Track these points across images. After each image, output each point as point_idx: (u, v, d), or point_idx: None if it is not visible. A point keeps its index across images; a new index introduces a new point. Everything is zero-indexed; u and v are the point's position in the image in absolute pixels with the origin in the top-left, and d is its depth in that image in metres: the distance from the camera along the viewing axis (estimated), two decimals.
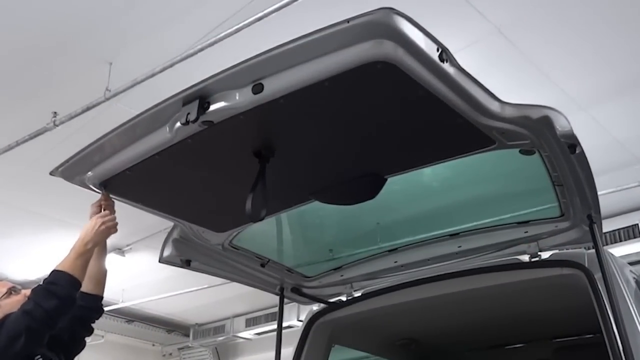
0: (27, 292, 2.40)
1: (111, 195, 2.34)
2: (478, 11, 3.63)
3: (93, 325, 2.63)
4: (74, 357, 2.59)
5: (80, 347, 2.62)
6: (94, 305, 2.59)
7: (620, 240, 5.74)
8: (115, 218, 2.38)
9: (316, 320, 3.25)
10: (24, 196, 5.87)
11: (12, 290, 2.52)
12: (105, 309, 9.30)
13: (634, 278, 2.81)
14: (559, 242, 2.74)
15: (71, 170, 2.17)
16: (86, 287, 2.45)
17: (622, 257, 4.05)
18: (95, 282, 2.58)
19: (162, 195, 2.39)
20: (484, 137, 2.00)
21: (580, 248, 2.73)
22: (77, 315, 2.48)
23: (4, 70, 4.20)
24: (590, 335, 3.38)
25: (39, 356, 2.29)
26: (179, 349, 10.01)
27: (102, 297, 2.62)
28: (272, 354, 3.12)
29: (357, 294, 3.20)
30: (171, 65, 3.60)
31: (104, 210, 2.36)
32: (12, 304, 2.40)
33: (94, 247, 2.37)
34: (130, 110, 2.25)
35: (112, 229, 2.38)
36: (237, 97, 1.78)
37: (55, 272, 2.25)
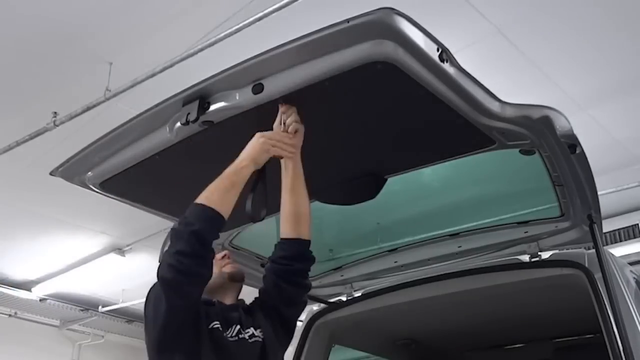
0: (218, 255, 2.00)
1: (111, 195, 2.33)
2: (478, 11, 3.63)
3: (304, 279, 2.04)
4: (293, 320, 2.09)
5: (297, 309, 2.09)
6: (294, 253, 2.00)
7: (621, 240, 5.75)
8: (291, 140, 1.85)
9: (316, 320, 3.25)
10: (24, 196, 5.87)
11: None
12: (105, 309, 9.31)
13: (634, 278, 2.81)
14: (559, 242, 2.74)
15: (71, 170, 2.16)
16: (284, 231, 2.01)
17: (622, 257, 4.04)
18: (292, 222, 2.00)
19: (162, 195, 2.39)
20: (484, 137, 2.00)
21: (580, 248, 2.73)
22: (276, 269, 2.01)
23: (4, 70, 4.20)
24: (590, 336, 3.38)
25: (215, 323, 1.83)
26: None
27: (306, 241, 2.01)
28: None
29: (357, 294, 3.20)
30: (171, 65, 3.60)
31: (283, 125, 1.84)
32: None
33: (249, 169, 1.84)
34: (131, 110, 2.25)
35: (282, 151, 1.86)
36: (237, 97, 1.78)
37: (190, 207, 1.79)
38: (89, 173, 2.18)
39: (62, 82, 4.28)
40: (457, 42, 3.58)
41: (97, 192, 2.30)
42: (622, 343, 2.17)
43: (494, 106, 1.89)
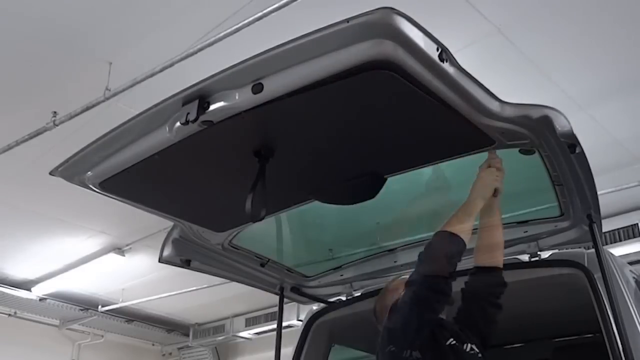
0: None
1: (110, 195, 2.33)
2: (478, 11, 3.63)
3: (499, 300, 2.31)
4: (489, 339, 2.34)
5: (494, 327, 2.35)
6: (491, 280, 2.31)
7: (620, 240, 5.74)
8: (500, 174, 2.18)
9: (316, 319, 3.25)
10: (24, 196, 5.87)
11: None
12: (105, 308, 9.33)
13: (634, 278, 2.81)
14: (558, 242, 2.74)
15: (71, 170, 2.16)
16: (480, 259, 2.32)
17: (621, 256, 4.04)
18: (486, 251, 2.33)
19: (161, 195, 2.39)
20: (483, 136, 2.00)
21: (579, 248, 2.73)
22: (479, 293, 2.31)
23: (4, 70, 4.19)
24: (590, 335, 3.39)
25: (469, 345, 2.14)
26: (179, 348, 10.01)
27: (499, 268, 2.31)
28: (272, 353, 3.12)
29: (357, 294, 3.21)
30: (171, 65, 3.60)
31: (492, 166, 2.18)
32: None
33: (481, 204, 2.17)
34: (130, 110, 2.25)
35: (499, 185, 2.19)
36: (237, 97, 1.78)
37: (436, 234, 2.07)
38: (89, 173, 2.17)
39: (61, 82, 4.27)
40: (457, 42, 3.58)
41: (96, 191, 2.30)
42: (621, 343, 2.17)
43: (494, 106, 1.89)
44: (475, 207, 2.15)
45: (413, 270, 2.14)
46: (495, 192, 2.26)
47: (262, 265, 3.00)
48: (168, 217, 2.56)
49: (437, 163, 2.26)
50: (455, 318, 2.34)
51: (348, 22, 1.55)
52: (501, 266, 2.32)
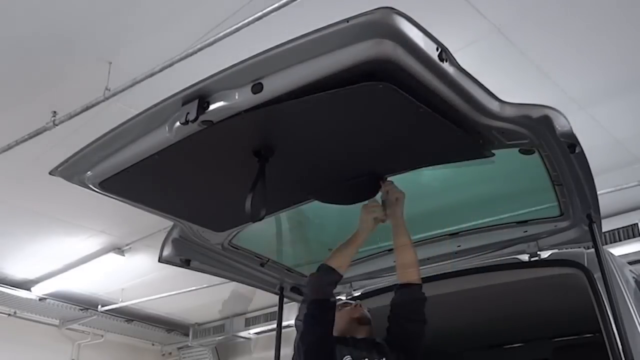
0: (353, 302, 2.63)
1: (110, 195, 2.33)
2: (478, 10, 3.63)
3: (419, 315, 2.48)
4: (416, 350, 2.50)
5: (418, 341, 2.50)
6: (406, 297, 2.47)
7: (620, 240, 5.74)
8: (384, 210, 2.39)
9: None
10: (24, 195, 5.87)
11: (342, 305, 2.62)
12: (105, 308, 9.32)
13: (634, 277, 2.81)
14: (558, 242, 2.74)
15: (70, 169, 2.16)
16: (399, 278, 2.49)
17: (621, 256, 4.04)
18: (401, 269, 2.50)
19: (161, 194, 2.39)
20: (483, 136, 2.00)
21: (579, 247, 2.73)
22: (396, 310, 2.48)
23: (3, 69, 4.19)
24: (590, 335, 3.39)
25: (347, 356, 2.33)
26: (179, 348, 10.01)
27: (414, 285, 2.47)
28: (272, 353, 3.13)
29: (357, 293, 3.20)
30: (171, 65, 3.60)
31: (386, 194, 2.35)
32: (340, 317, 2.49)
33: (362, 241, 2.41)
34: (130, 110, 2.25)
35: (378, 221, 2.41)
36: (237, 97, 1.78)
37: (318, 267, 2.34)
38: (89, 172, 2.17)
39: (61, 82, 4.27)
40: (457, 42, 3.58)
41: (96, 191, 2.30)
42: (621, 342, 2.17)
43: (494, 106, 1.89)
44: (355, 241, 2.40)
45: None
46: (380, 220, 2.43)
47: (262, 265, 3.00)
48: (168, 216, 2.56)
49: (438, 164, 2.27)
50: (385, 336, 2.51)
51: (348, 21, 1.55)
52: (418, 282, 2.46)
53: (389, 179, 2.36)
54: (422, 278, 2.91)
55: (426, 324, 2.49)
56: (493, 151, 2.10)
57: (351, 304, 2.67)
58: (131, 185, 2.26)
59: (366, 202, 2.38)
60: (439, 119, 1.84)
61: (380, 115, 1.87)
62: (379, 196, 2.40)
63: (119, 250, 6.90)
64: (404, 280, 2.47)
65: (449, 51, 1.68)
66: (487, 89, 1.85)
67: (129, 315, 9.00)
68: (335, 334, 2.39)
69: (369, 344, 2.48)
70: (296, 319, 2.37)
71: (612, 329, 2.25)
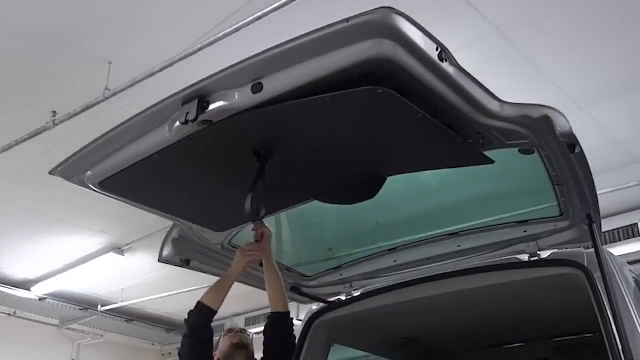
0: (237, 327, 2.99)
1: (110, 195, 2.33)
2: (478, 11, 3.63)
3: (288, 339, 2.78)
4: None
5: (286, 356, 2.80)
6: (277, 322, 2.76)
7: (620, 240, 5.74)
8: (258, 248, 2.65)
9: (315, 319, 3.25)
10: (24, 195, 5.87)
11: (228, 331, 2.95)
12: (105, 308, 9.30)
13: (633, 277, 2.81)
14: (558, 242, 2.74)
15: (70, 169, 2.16)
16: (271, 306, 2.77)
17: (621, 256, 4.04)
18: (270, 300, 2.78)
19: (161, 194, 2.39)
20: (483, 136, 2.00)
21: (579, 247, 2.73)
22: (267, 336, 2.77)
23: (4, 70, 4.19)
24: (590, 335, 3.39)
25: None
26: (179, 348, 10.01)
27: (281, 313, 2.76)
28: None
29: (357, 294, 3.20)
30: (170, 65, 3.60)
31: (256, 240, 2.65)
32: (223, 344, 2.86)
33: (234, 279, 2.67)
34: (130, 110, 2.25)
35: (251, 260, 2.69)
36: (237, 97, 1.78)
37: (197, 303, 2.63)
38: (89, 172, 2.17)
39: (61, 82, 4.28)
40: (457, 42, 3.58)
41: (96, 191, 2.29)
42: (621, 342, 2.17)
43: (494, 105, 1.89)
44: (228, 281, 2.67)
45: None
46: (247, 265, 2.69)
47: (262, 264, 2.99)
48: (168, 216, 2.55)
49: (438, 167, 2.27)
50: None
51: (348, 21, 1.55)
52: (285, 310, 2.76)
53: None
54: (423, 278, 2.93)
55: (293, 347, 2.83)
56: (493, 151, 2.10)
57: (234, 329, 2.97)
58: (131, 185, 2.26)
59: (250, 246, 2.65)
60: (439, 125, 1.84)
61: (379, 119, 1.87)
62: (252, 235, 2.67)
63: (119, 250, 6.90)
64: (274, 309, 2.76)
65: (448, 51, 1.68)
66: (487, 89, 1.85)
67: (129, 315, 9.00)
68: (220, 357, 2.80)
69: None
70: (179, 350, 2.67)
71: (612, 329, 2.25)
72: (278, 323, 2.76)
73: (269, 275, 2.76)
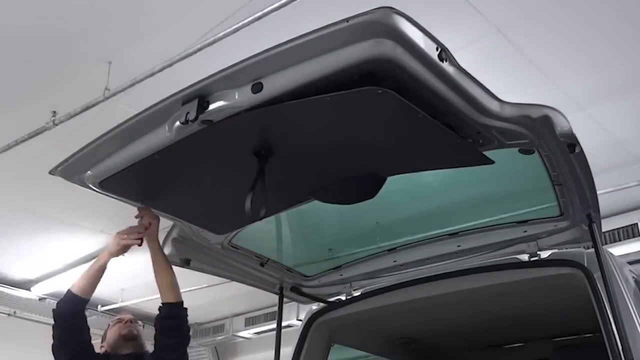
0: (127, 316, 2.86)
1: (110, 195, 2.33)
2: (477, 10, 3.63)
3: (176, 331, 2.63)
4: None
5: (177, 355, 2.65)
6: (168, 313, 2.63)
7: (620, 240, 5.74)
8: (137, 233, 2.53)
9: (315, 319, 3.25)
10: (24, 195, 5.87)
11: (116, 320, 2.85)
12: (104, 308, 9.28)
13: (633, 277, 2.81)
14: (558, 242, 2.74)
15: (70, 169, 2.16)
16: (162, 297, 2.63)
17: (621, 256, 4.04)
18: (161, 291, 2.65)
19: (161, 194, 2.39)
20: (483, 136, 2.00)
21: (579, 247, 2.73)
22: (157, 327, 2.63)
23: (3, 69, 4.19)
24: (590, 335, 3.39)
25: None
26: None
27: (170, 303, 2.62)
28: (272, 353, 3.12)
29: (357, 294, 3.21)
30: (170, 65, 3.60)
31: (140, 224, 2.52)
32: (111, 334, 2.76)
33: (103, 263, 2.55)
34: (130, 110, 2.25)
35: (132, 241, 2.57)
36: (237, 97, 1.78)
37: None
38: (88, 172, 2.18)
39: (61, 81, 4.27)
40: (457, 41, 3.57)
41: (96, 191, 2.30)
42: (621, 342, 2.17)
43: (494, 105, 1.89)
44: (98, 264, 2.56)
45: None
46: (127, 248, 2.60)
47: (262, 264, 3.00)
48: (167, 216, 2.56)
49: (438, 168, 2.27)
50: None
51: (347, 21, 1.55)
52: (177, 301, 2.61)
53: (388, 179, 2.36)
54: (423, 278, 2.93)
55: (185, 339, 2.67)
56: (493, 151, 2.10)
57: (124, 319, 2.88)
58: (131, 185, 2.26)
59: None
60: (439, 125, 1.84)
61: (379, 119, 1.87)
62: (137, 221, 2.55)
63: None
64: (164, 300, 2.62)
65: (448, 51, 1.68)
66: (487, 88, 1.85)
67: None
68: (108, 349, 2.73)
69: (132, 358, 2.76)
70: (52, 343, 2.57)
71: (612, 329, 2.25)
72: (169, 315, 2.61)
73: (156, 262, 2.66)
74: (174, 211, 2.53)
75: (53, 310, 2.52)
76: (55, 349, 2.59)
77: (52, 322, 2.54)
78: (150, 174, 2.17)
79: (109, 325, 2.86)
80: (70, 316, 2.51)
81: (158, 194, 2.38)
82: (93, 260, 2.60)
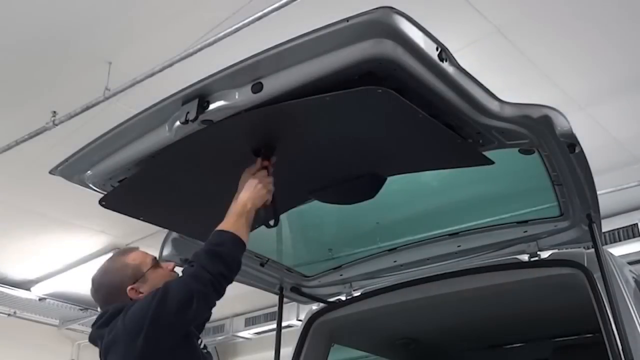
0: (169, 265, 2.21)
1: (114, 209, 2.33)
2: (478, 11, 3.63)
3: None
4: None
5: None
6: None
7: (620, 240, 5.73)
8: (271, 182, 2.06)
9: (315, 319, 3.25)
10: (23, 195, 5.87)
11: (155, 261, 2.20)
12: None
13: (633, 277, 2.81)
14: (558, 242, 2.74)
15: (70, 169, 2.16)
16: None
17: (621, 256, 4.04)
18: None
19: (161, 194, 2.39)
20: (483, 136, 2.00)
21: (579, 248, 2.73)
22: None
23: (3, 70, 4.19)
24: (590, 335, 3.39)
25: (200, 340, 2.17)
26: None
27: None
28: (272, 353, 3.13)
29: (357, 294, 3.20)
30: (171, 65, 3.60)
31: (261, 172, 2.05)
32: (158, 277, 2.09)
33: (253, 209, 2.02)
34: (130, 110, 2.25)
35: (269, 192, 2.05)
36: (237, 96, 1.78)
37: (218, 233, 1.95)
38: (89, 172, 2.18)
39: (61, 82, 4.27)
40: (457, 42, 3.57)
41: (96, 191, 2.30)
42: (621, 342, 2.17)
43: (494, 105, 1.89)
44: (244, 211, 2.01)
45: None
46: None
47: (262, 264, 2.99)
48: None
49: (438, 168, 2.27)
50: None
51: (347, 21, 1.55)
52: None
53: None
54: (423, 278, 2.93)
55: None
56: (493, 151, 2.10)
57: (167, 267, 2.24)
58: (132, 198, 2.26)
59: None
60: (439, 125, 1.84)
61: (379, 118, 1.87)
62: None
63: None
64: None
65: (448, 51, 1.69)
66: (487, 88, 1.85)
67: None
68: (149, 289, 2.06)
69: None
70: (195, 285, 1.87)
71: (612, 329, 2.25)
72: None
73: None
74: (174, 211, 2.53)
75: (231, 258, 1.93)
76: (204, 305, 1.92)
77: (228, 272, 1.92)
78: (150, 173, 2.17)
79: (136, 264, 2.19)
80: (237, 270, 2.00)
81: (158, 193, 2.38)
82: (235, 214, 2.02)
